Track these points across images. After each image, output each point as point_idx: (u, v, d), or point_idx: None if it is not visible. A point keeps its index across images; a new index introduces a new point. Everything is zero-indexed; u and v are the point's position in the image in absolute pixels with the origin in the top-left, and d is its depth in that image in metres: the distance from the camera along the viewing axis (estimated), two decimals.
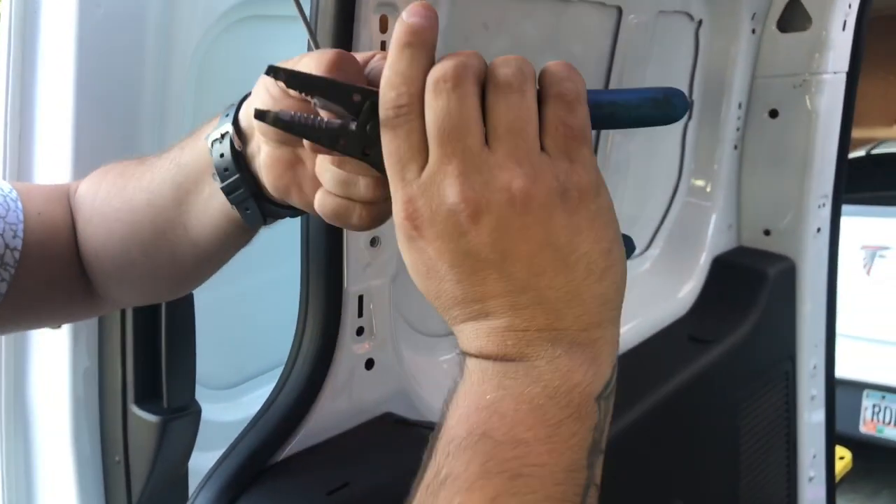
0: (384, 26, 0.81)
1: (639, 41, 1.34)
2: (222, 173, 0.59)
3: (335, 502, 0.76)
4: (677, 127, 1.55)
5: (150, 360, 0.90)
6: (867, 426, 3.79)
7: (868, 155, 4.81)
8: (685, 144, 1.56)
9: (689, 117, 1.54)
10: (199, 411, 0.93)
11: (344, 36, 0.76)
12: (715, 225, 1.58)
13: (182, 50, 0.99)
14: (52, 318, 0.79)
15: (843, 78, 1.54)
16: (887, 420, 3.75)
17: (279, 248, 0.89)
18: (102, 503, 0.96)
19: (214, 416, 1.12)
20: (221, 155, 0.58)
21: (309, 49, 0.76)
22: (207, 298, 1.01)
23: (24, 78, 0.90)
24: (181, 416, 0.91)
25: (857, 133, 1.79)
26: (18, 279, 0.65)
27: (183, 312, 0.89)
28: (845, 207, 1.68)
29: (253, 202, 0.60)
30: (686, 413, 1.35)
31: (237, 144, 0.58)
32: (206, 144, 0.59)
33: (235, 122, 0.58)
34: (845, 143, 1.60)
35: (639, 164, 1.47)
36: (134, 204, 0.65)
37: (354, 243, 0.86)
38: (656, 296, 1.51)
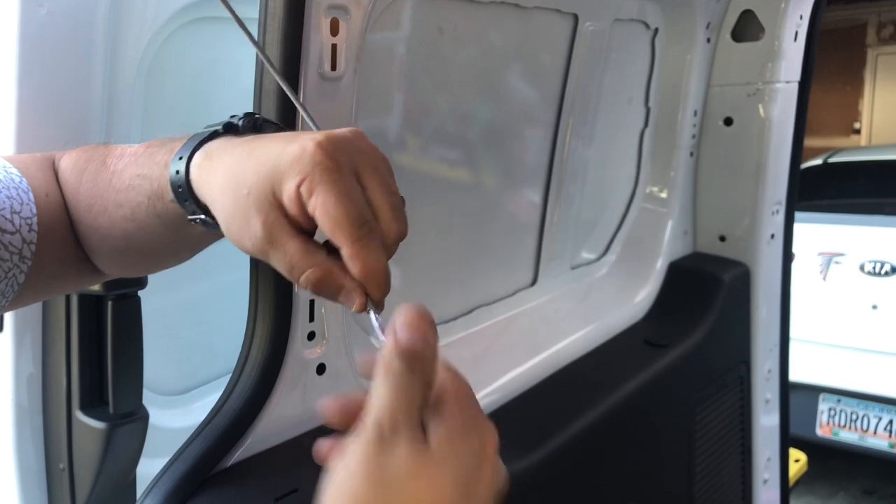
0: (335, 29, 0.81)
1: (595, 49, 1.35)
2: (190, 211, 0.62)
3: None
4: (635, 134, 1.57)
5: (96, 365, 0.88)
6: (823, 429, 3.85)
7: (825, 163, 4.91)
8: (642, 151, 1.58)
9: (646, 124, 1.56)
10: (146, 417, 0.91)
11: (293, 39, 0.76)
12: (671, 231, 1.59)
13: (131, 51, 0.98)
14: (66, 290, 0.83)
15: (795, 87, 1.57)
16: (843, 423, 3.82)
17: (232, 252, 0.88)
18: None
19: (164, 423, 1.11)
20: (214, 228, 0.60)
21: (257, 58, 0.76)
22: (158, 303, 1.00)
23: None
24: (128, 422, 0.89)
25: (815, 142, 1.83)
26: (35, 266, 0.66)
27: (129, 315, 0.87)
28: (803, 214, 1.71)
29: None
30: (641, 416, 1.36)
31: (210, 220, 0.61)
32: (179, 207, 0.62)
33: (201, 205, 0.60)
34: (798, 150, 1.63)
35: (596, 171, 1.48)
36: (124, 228, 0.67)
37: None
38: (613, 301, 1.52)
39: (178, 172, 0.60)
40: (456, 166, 1.22)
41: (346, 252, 0.54)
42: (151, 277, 0.93)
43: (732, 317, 1.62)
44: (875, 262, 3.73)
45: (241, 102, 0.88)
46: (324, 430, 0.91)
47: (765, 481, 1.80)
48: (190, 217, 0.61)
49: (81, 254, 0.71)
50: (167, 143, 0.64)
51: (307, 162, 0.53)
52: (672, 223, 1.59)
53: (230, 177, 0.57)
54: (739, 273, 1.62)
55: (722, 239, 1.65)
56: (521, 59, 1.25)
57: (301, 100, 0.81)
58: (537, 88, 1.32)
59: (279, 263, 0.56)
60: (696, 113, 1.57)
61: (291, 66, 0.78)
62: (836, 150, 5.31)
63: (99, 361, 0.88)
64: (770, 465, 1.81)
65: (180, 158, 0.60)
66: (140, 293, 0.92)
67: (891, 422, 3.71)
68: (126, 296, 0.86)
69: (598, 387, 1.30)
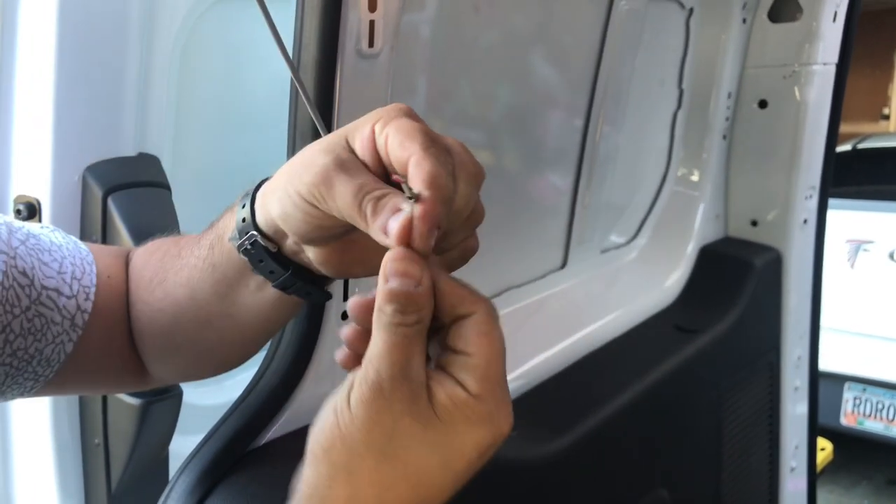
0: (373, 5, 0.80)
1: (629, 29, 1.33)
2: (269, 275, 0.58)
3: None
4: (667, 116, 1.55)
5: None
6: (848, 418, 3.82)
7: (854, 149, 4.83)
8: (674, 133, 1.56)
9: (679, 106, 1.54)
10: (180, 394, 0.91)
11: (332, 14, 0.75)
12: (702, 215, 1.58)
13: (166, 29, 0.97)
14: (102, 387, 0.78)
15: (832, 69, 1.54)
16: (868, 412, 3.78)
17: None
18: (81, 486, 0.94)
19: (196, 400, 1.11)
20: (261, 261, 0.57)
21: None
22: None
23: (2, 60, 0.88)
24: (162, 398, 0.90)
25: (843, 128, 1.79)
26: (82, 342, 0.64)
27: None
28: (831, 201, 1.69)
29: (313, 287, 0.59)
30: (671, 402, 1.35)
31: (272, 248, 0.56)
32: (233, 247, 0.58)
33: (256, 225, 0.56)
34: (833, 134, 1.60)
35: (627, 154, 1.46)
36: (175, 297, 0.64)
37: None
38: (643, 285, 1.50)
39: (245, 195, 0.57)
40: (488, 147, 1.21)
41: (413, 160, 0.47)
42: None
43: (763, 303, 1.60)
44: None
45: (275, 82, 0.88)
46: None
47: (792, 469, 1.79)
48: (239, 244, 0.57)
49: (128, 348, 0.69)
50: (210, 232, 0.62)
51: (390, 108, 0.51)
52: (703, 207, 1.57)
53: (296, 156, 0.54)
54: (771, 258, 1.60)
55: (754, 223, 1.62)
56: (556, 38, 1.24)
57: (338, 78, 0.80)
58: (570, 69, 1.30)
59: (344, 188, 0.49)
60: (729, 95, 1.55)
61: (329, 42, 0.77)
62: (866, 136, 5.23)
63: None
64: (798, 453, 1.79)
65: (247, 192, 0.58)
66: None
67: None
68: None
69: (628, 371, 1.29)
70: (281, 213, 0.53)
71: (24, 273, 0.61)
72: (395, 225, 0.47)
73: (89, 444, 0.93)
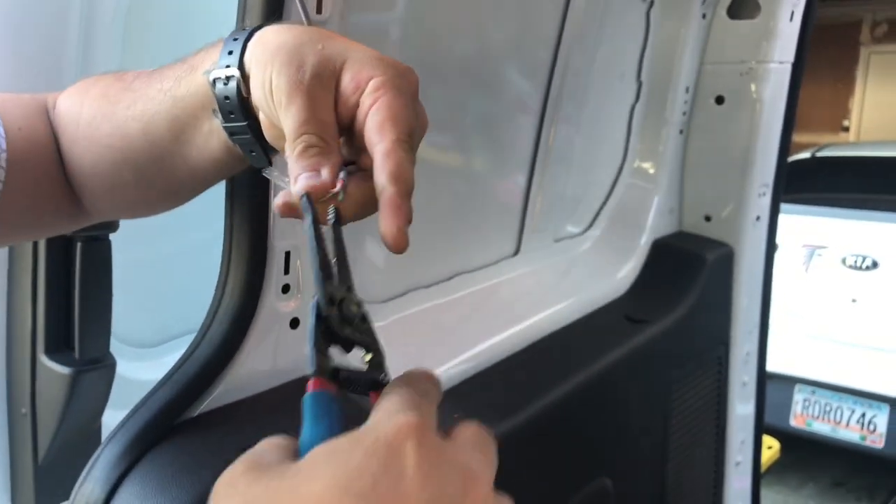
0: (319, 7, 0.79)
1: (589, 19, 1.33)
2: (227, 115, 0.57)
3: None
4: (625, 109, 1.55)
5: (63, 309, 0.86)
6: (797, 420, 3.89)
7: (813, 157, 4.92)
8: (631, 126, 1.56)
9: (637, 99, 1.54)
10: (113, 364, 0.89)
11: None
12: (657, 208, 1.58)
13: None
14: (38, 233, 0.77)
15: (788, 68, 1.55)
16: (816, 414, 3.86)
17: (213, 206, 0.86)
18: (6, 458, 0.91)
19: (134, 375, 1.09)
20: (226, 98, 0.56)
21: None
22: (134, 255, 0.98)
23: None
24: (94, 368, 0.87)
25: (803, 137, 1.82)
26: (3, 201, 0.63)
27: (99, 258, 0.85)
28: (789, 206, 1.71)
29: (258, 145, 0.58)
30: (618, 392, 1.36)
31: (244, 91, 0.56)
32: (205, 80, 0.57)
33: (241, 65, 0.55)
34: (788, 134, 1.62)
35: (584, 143, 1.46)
36: (126, 132, 0.63)
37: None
38: (595, 275, 1.51)
39: (235, 40, 0.56)
40: (441, 129, 1.20)
41: (384, 146, 0.49)
42: (125, 229, 0.91)
43: (714, 297, 1.61)
44: (857, 256, 3.75)
45: None
46: (295, 386, 0.90)
47: (737, 464, 1.81)
48: (215, 76, 0.56)
49: (64, 192, 0.68)
50: (179, 66, 0.61)
51: (395, 68, 0.52)
52: (658, 200, 1.58)
53: (302, 34, 0.54)
54: (723, 254, 1.61)
55: (707, 219, 1.64)
56: (513, 24, 1.23)
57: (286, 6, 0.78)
58: (527, 57, 1.29)
59: (297, 113, 0.51)
60: (687, 90, 1.56)
61: (275, 6, 0.75)
62: (825, 145, 5.33)
63: (66, 305, 0.86)
64: (743, 448, 1.81)
65: (243, 30, 0.57)
66: (114, 246, 0.89)
67: (863, 415, 3.75)
68: (96, 238, 0.84)
69: (576, 359, 1.29)
70: (254, 78, 0.54)
71: None
72: (301, 184, 0.50)
73: (16, 414, 0.90)
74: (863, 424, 3.75)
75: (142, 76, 0.64)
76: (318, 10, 0.79)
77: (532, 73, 1.30)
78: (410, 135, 0.50)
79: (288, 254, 0.85)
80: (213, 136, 0.60)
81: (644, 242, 1.57)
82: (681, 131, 1.59)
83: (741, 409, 1.76)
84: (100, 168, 0.66)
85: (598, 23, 1.35)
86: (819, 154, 4.95)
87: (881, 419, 3.70)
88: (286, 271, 0.86)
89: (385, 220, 0.48)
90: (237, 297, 0.81)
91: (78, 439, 0.90)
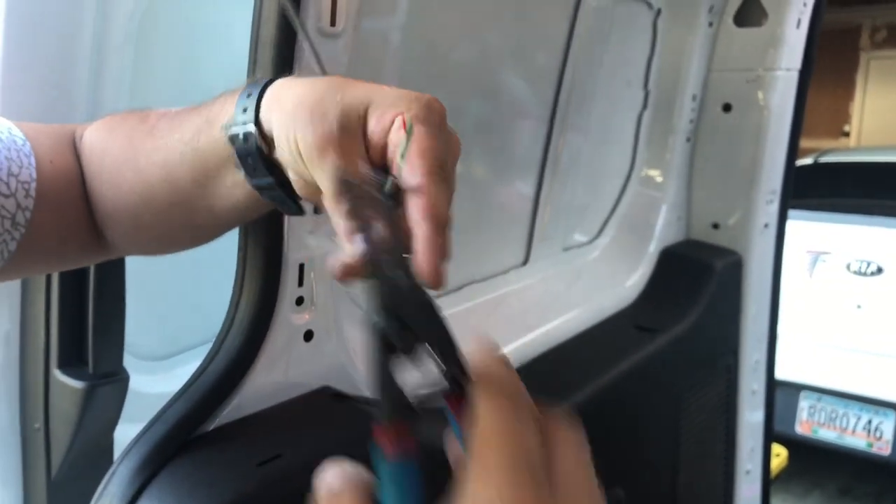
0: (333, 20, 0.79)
1: (597, 27, 1.33)
2: (251, 172, 0.56)
3: (266, 473, 0.73)
4: (632, 117, 1.55)
5: (76, 323, 0.85)
6: (803, 427, 3.87)
7: (815, 163, 4.92)
8: (639, 134, 1.56)
9: (645, 107, 1.54)
10: (126, 378, 0.88)
11: None
12: (665, 216, 1.58)
13: (121, 6, 0.95)
14: (61, 265, 0.77)
15: (795, 75, 1.56)
16: (822, 421, 3.84)
17: None
18: (19, 473, 0.91)
19: (146, 388, 1.08)
20: (248, 156, 0.56)
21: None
22: (144, 266, 0.97)
23: None
24: (107, 382, 0.86)
25: (804, 143, 1.82)
26: (30, 234, 0.62)
27: (113, 273, 0.84)
28: (792, 211, 1.70)
29: (287, 196, 0.57)
30: (629, 401, 1.35)
31: (265, 149, 0.55)
32: (224, 135, 0.57)
33: (257, 122, 0.55)
34: (795, 140, 1.62)
35: (592, 152, 1.46)
36: (147, 177, 0.62)
37: None
38: (604, 284, 1.50)
39: (250, 95, 0.56)
40: None
41: (415, 182, 0.47)
42: None
43: (723, 305, 1.61)
44: (861, 262, 3.74)
45: (235, 65, 0.86)
46: (309, 399, 0.89)
47: (747, 472, 1.80)
48: (232, 132, 0.55)
49: (88, 226, 0.67)
50: (196, 115, 0.61)
51: (418, 101, 0.51)
52: (666, 208, 1.58)
53: (325, 82, 0.53)
54: (731, 262, 1.61)
55: (715, 226, 1.64)
56: (522, 33, 1.23)
57: (297, 57, 0.78)
58: (536, 66, 1.29)
59: (329, 167, 0.50)
60: (694, 98, 1.56)
61: (288, 21, 0.75)
62: (827, 151, 5.33)
63: (79, 319, 0.86)
64: (753, 456, 1.81)
65: (258, 82, 0.57)
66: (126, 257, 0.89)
67: (869, 421, 3.73)
68: None
69: (586, 369, 1.28)
70: (278, 139, 0.53)
71: None
72: (360, 247, 0.45)
73: (29, 429, 0.89)
74: (869, 431, 3.73)
75: (164, 120, 0.63)
76: (332, 23, 0.79)
77: (540, 82, 1.30)
78: (442, 165, 0.49)
79: (302, 266, 0.85)
80: (237, 187, 0.59)
81: (652, 251, 1.57)
82: (688, 139, 1.59)
83: (751, 418, 1.76)
84: (122, 210, 0.66)
85: (606, 32, 1.35)
86: (822, 160, 4.94)
87: (888, 426, 3.69)
88: (300, 283, 0.85)
89: (420, 257, 0.46)
90: (251, 310, 0.81)
91: (91, 454, 0.90)
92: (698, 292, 1.54)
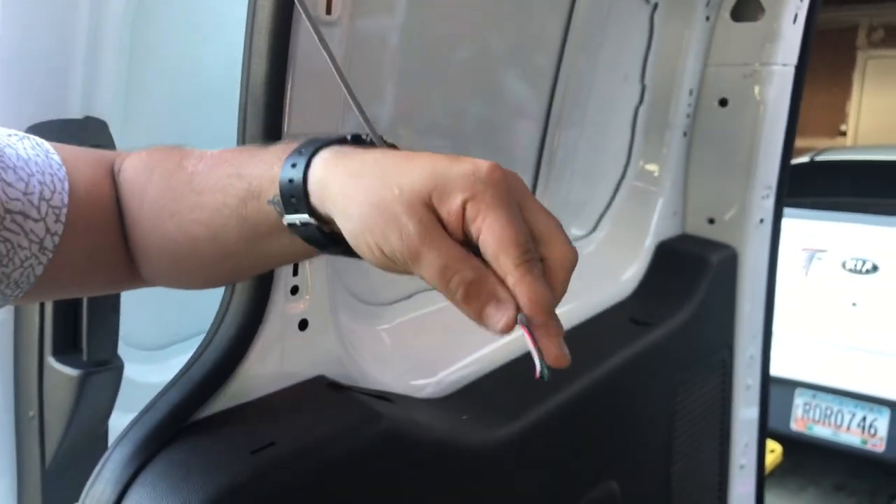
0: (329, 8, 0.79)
1: (593, 21, 1.33)
2: (321, 247, 0.57)
3: (260, 461, 0.73)
4: (629, 111, 1.56)
5: (71, 310, 0.85)
6: (798, 423, 3.88)
7: (812, 161, 4.93)
8: (635, 129, 1.56)
9: (641, 101, 1.54)
10: (121, 366, 0.88)
11: None
12: (661, 210, 1.58)
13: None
14: (90, 291, 0.75)
15: (791, 71, 1.56)
16: (817, 418, 3.85)
17: None
18: (13, 461, 0.91)
19: (141, 378, 1.08)
20: (311, 239, 0.56)
21: None
22: None
23: None
24: (102, 370, 0.87)
25: (800, 142, 1.82)
26: (57, 260, 0.61)
27: None
28: (788, 209, 1.71)
29: (348, 252, 0.57)
30: (624, 394, 1.35)
31: (325, 229, 0.55)
32: (273, 211, 0.56)
33: (308, 202, 0.54)
34: (791, 136, 1.62)
35: (588, 147, 1.46)
36: (191, 234, 0.62)
37: None
38: (600, 277, 1.51)
39: (294, 166, 0.55)
40: (446, 132, 1.20)
41: (511, 277, 0.49)
42: None
43: (718, 300, 1.61)
44: (857, 260, 3.75)
45: (234, 54, 0.86)
46: (304, 388, 0.89)
47: (741, 467, 1.80)
48: (289, 221, 0.55)
49: (120, 257, 0.66)
50: (269, 146, 0.60)
51: (481, 180, 0.50)
52: (662, 202, 1.58)
53: (374, 175, 0.52)
54: (727, 256, 1.61)
55: (711, 221, 1.64)
56: (518, 26, 1.23)
57: (292, 45, 0.78)
58: (532, 60, 1.29)
59: (431, 264, 0.50)
60: (691, 92, 1.56)
61: (285, 7, 0.75)
62: (824, 149, 5.34)
63: (74, 306, 0.86)
64: (747, 451, 1.81)
65: (299, 153, 0.55)
66: None
67: (864, 418, 3.74)
68: None
69: (582, 361, 1.28)
70: (354, 244, 0.53)
71: None
72: (500, 325, 0.50)
73: (23, 417, 0.89)
74: (864, 428, 3.74)
75: (202, 168, 0.62)
76: (328, 11, 0.79)
77: (536, 76, 1.30)
78: (526, 248, 0.50)
79: None
80: (295, 244, 0.58)
81: (648, 245, 1.57)
82: (684, 133, 1.59)
83: (745, 413, 1.76)
84: (164, 256, 0.65)
85: (602, 26, 1.35)
86: (818, 158, 4.95)
87: (882, 423, 3.70)
88: (295, 273, 0.85)
89: (541, 345, 0.50)
90: (246, 299, 0.81)
91: (85, 442, 0.90)
92: (694, 287, 1.54)
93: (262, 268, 0.68)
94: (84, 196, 0.63)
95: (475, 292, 0.50)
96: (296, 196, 0.55)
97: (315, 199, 0.54)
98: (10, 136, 0.62)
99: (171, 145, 0.67)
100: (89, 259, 0.65)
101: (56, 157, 0.63)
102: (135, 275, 0.68)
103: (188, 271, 0.67)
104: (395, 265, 0.52)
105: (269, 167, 0.57)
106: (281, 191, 0.55)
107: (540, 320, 0.49)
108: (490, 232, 0.49)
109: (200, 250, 0.62)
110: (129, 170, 0.66)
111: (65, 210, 0.61)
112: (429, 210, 0.50)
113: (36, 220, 0.59)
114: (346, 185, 0.53)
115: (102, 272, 0.67)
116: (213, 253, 0.62)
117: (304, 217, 0.55)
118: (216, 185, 0.60)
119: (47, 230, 0.60)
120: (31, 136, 0.64)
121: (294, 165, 0.55)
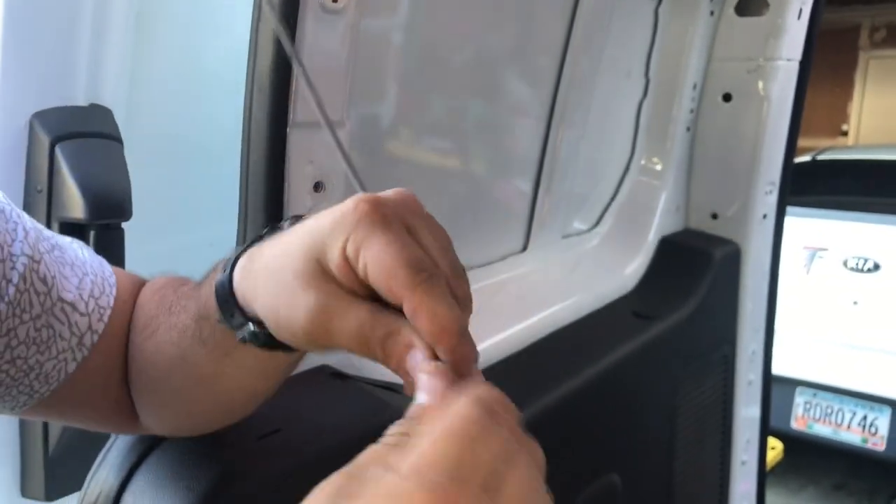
0: None
1: (597, 16, 1.33)
2: (272, 349, 0.53)
3: (266, 446, 0.73)
4: (632, 105, 1.55)
5: None
6: (798, 422, 3.89)
7: (814, 160, 4.93)
8: (639, 123, 1.56)
9: (645, 96, 1.54)
10: None
11: None
12: (664, 205, 1.58)
13: None
14: (90, 421, 0.72)
15: (795, 66, 1.56)
16: (818, 417, 3.85)
17: (226, 201, 0.86)
18: (17, 450, 0.91)
19: None
20: (265, 344, 0.52)
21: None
22: (149, 250, 0.98)
23: None
24: None
25: (802, 142, 1.82)
26: (83, 366, 0.61)
27: (112, 246, 0.84)
28: (790, 208, 1.71)
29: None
30: (626, 388, 1.35)
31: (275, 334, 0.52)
32: (226, 329, 0.54)
33: (244, 313, 0.52)
34: (795, 132, 1.62)
35: (592, 141, 1.46)
36: (166, 354, 0.60)
37: (296, 186, 0.82)
38: (603, 272, 1.50)
39: (222, 280, 0.53)
40: (450, 127, 1.20)
41: (408, 305, 0.43)
42: (140, 223, 0.90)
43: (720, 295, 1.61)
44: (858, 259, 3.75)
45: (235, 47, 0.86)
46: (308, 377, 0.89)
47: (743, 463, 1.80)
48: (238, 332, 0.52)
49: (124, 387, 0.65)
50: (195, 306, 0.58)
51: (349, 220, 0.45)
52: (665, 197, 1.58)
53: (273, 266, 0.49)
54: (730, 251, 1.61)
55: (714, 216, 1.64)
56: (522, 22, 1.23)
57: (299, 33, 0.78)
58: (537, 54, 1.29)
59: (343, 335, 0.46)
60: (695, 87, 1.56)
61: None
62: (825, 148, 5.34)
63: None
64: (749, 447, 1.81)
65: (224, 269, 0.53)
66: (130, 240, 0.89)
67: (864, 417, 3.75)
68: (110, 226, 0.84)
69: (584, 355, 1.28)
70: (277, 335, 0.51)
71: (43, 280, 0.57)
72: (423, 383, 0.43)
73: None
74: (864, 427, 3.75)
75: (184, 297, 0.60)
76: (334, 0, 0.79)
77: (541, 70, 1.30)
78: (419, 266, 0.44)
79: None
80: (263, 358, 0.56)
81: (651, 239, 1.57)
82: (688, 128, 1.59)
83: (747, 409, 1.76)
84: (142, 380, 0.64)
85: (607, 21, 1.35)
86: (820, 157, 4.96)
87: (883, 421, 3.70)
88: None
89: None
90: None
91: (88, 431, 0.90)
92: (696, 281, 1.54)
93: (244, 397, 0.63)
94: (121, 307, 0.63)
95: (392, 349, 0.45)
96: (232, 310, 0.52)
97: (242, 300, 0.52)
98: (71, 241, 0.64)
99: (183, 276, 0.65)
100: (106, 378, 0.64)
101: (107, 265, 0.65)
102: (134, 414, 0.67)
103: (167, 402, 0.64)
104: (329, 344, 0.48)
105: (210, 285, 0.55)
106: (218, 307, 0.53)
107: (445, 346, 0.43)
108: (373, 263, 0.44)
109: (173, 373, 0.60)
110: (144, 290, 0.66)
111: (108, 311, 0.62)
112: (323, 279, 0.46)
113: (82, 315, 0.60)
114: (258, 284, 0.51)
115: (110, 398, 0.65)
116: (183, 375, 0.60)
117: (251, 326, 0.51)
118: (183, 305, 0.59)
119: (90, 327, 0.60)
120: (87, 246, 0.65)
121: (222, 280, 0.53)
